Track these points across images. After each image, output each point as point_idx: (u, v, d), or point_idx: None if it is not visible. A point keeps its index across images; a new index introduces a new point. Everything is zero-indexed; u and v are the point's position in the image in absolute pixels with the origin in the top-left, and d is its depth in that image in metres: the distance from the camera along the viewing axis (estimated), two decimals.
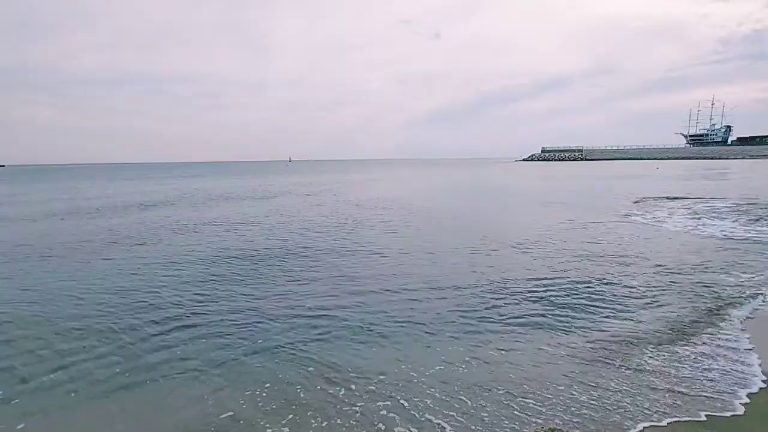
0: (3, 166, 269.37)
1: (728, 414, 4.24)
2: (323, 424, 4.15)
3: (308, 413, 4.32)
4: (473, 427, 4.11)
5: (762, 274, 8.73)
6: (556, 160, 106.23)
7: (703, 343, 5.74)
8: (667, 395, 4.56)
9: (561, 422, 4.10)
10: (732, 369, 5.10)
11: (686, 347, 5.65)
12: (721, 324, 6.34)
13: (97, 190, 37.37)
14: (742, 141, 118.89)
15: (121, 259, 10.95)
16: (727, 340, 5.83)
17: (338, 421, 4.21)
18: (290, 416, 4.27)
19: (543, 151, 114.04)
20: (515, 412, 4.34)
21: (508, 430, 4.07)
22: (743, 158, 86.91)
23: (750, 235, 12.74)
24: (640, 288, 8.06)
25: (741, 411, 4.28)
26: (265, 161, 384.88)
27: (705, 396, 4.55)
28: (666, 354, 5.48)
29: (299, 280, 8.90)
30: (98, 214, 20.28)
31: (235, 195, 30.78)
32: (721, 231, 13.42)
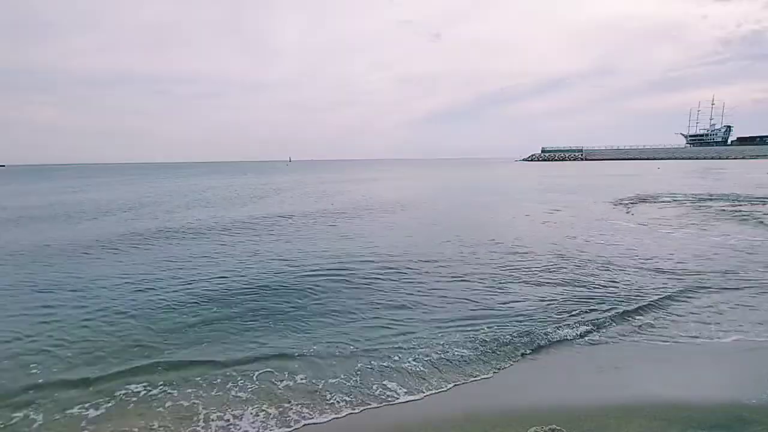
0: (3, 166, 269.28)
1: None
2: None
3: None
4: (474, 427, 4.20)
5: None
6: (556, 160, 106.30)
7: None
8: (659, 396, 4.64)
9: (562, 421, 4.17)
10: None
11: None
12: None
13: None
14: (742, 141, 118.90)
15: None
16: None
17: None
18: None
19: (543, 152, 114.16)
20: (516, 410, 4.42)
21: (509, 428, 4.15)
22: (743, 158, 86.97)
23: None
24: (649, 287, 8.12)
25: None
26: (265, 161, 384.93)
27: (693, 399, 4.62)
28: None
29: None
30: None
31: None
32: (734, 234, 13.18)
